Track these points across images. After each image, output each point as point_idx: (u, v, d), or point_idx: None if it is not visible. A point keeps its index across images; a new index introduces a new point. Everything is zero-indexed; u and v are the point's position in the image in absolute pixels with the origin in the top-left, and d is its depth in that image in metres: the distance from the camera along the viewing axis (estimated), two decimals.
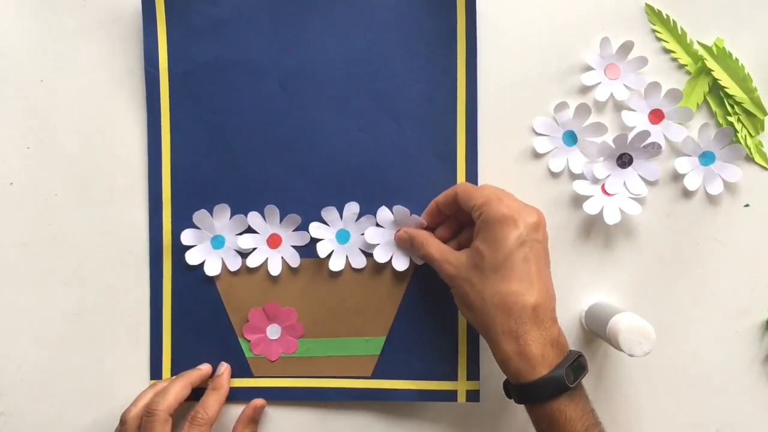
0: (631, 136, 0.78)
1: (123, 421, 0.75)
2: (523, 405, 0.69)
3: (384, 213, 0.80)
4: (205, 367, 0.80)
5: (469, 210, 0.72)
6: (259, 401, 0.80)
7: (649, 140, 0.78)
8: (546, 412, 0.66)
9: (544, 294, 0.68)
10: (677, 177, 0.80)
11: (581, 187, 0.79)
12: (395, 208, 0.78)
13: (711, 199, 0.80)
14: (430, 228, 0.79)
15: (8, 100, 0.82)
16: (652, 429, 0.81)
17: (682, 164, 0.80)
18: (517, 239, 0.67)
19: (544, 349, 0.66)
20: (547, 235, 0.71)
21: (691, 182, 0.79)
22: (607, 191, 0.79)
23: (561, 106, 0.80)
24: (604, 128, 0.79)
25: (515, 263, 0.67)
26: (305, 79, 0.80)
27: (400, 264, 0.80)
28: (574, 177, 0.81)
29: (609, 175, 0.80)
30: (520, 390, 0.67)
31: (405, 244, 0.79)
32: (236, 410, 0.81)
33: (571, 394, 0.66)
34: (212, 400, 0.77)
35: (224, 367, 0.80)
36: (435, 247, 0.75)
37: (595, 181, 0.80)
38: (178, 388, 0.76)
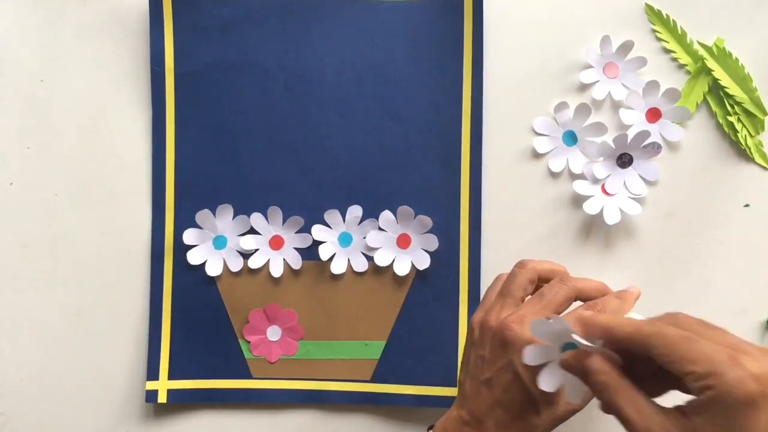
0: (631, 136, 0.78)
1: (523, 265, 0.69)
2: None
3: (386, 216, 0.80)
4: (636, 289, 0.68)
5: (679, 373, 0.49)
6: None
7: (649, 140, 0.78)
8: None
9: None
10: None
11: (581, 187, 0.79)
12: (400, 209, 0.78)
13: (711, 199, 0.80)
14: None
15: (8, 100, 0.82)
16: None
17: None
18: (753, 386, 0.46)
19: None
20: None
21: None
22: (607, 191, 0.80)
23: (561, 106, 0.80)
24: (604, 128, 0.79)
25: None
26: (311, 81, 0.80)
27: (402, 268, 0.80)
28: (574, 177, 0.81)
29: (609, 175, 0.80)
30: None
31: (575, 372, 0.55)
32: (233, 414, 0.81)
33: None
34: (615, 303, 0.66)
35: (638, 289, 0.68)
36: (630, 401, 0.51)
37: (595, 181, 0.80)
38: (593, 284, 0.68)
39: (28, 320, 0.82)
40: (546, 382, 0.56)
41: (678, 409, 0.49)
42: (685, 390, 0.52)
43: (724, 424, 0.46)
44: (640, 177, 0.80)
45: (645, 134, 0.77)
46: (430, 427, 0.68)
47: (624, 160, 0.79)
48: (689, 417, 0.48)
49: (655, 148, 0.79)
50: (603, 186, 0.80)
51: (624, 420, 0.51)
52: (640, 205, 0.79)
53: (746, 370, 0.46)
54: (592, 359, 0.53)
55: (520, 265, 0.69)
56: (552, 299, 0.65)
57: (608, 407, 0.52)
